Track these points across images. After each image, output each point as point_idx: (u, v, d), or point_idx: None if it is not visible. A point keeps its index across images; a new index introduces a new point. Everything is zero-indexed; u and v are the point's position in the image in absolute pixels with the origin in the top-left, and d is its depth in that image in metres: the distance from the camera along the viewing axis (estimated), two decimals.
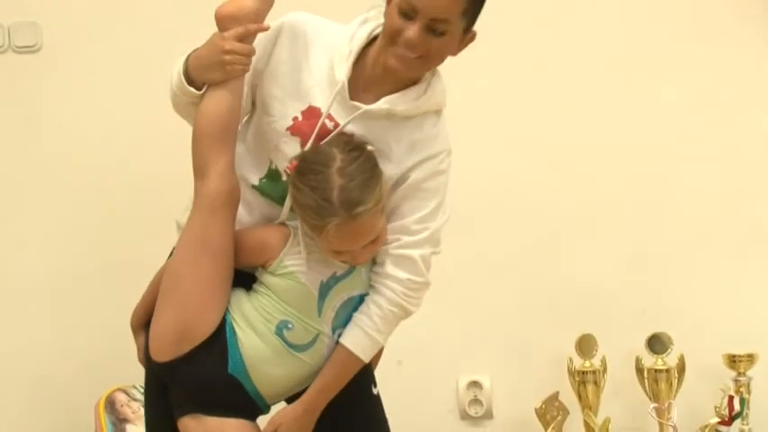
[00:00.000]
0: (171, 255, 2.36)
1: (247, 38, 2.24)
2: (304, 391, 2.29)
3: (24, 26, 3.59)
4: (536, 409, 3.31)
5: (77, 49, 3.60)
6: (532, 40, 3.55)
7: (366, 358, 2.28)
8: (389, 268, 2.26)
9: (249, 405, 2.26)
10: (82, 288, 3.49)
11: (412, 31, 2.15)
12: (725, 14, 3.55)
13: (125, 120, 3.51)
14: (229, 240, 2.24)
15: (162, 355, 2.23)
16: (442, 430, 3.48)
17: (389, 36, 2.18)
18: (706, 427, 3.30)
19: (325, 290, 2.26)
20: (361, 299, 2.29)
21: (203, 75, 2.24)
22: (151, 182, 3.37)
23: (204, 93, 2.25)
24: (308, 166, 2.18)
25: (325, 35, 2.29)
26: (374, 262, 2.30)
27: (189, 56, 2.26)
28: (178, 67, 2.27)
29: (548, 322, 3.48)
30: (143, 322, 2.33)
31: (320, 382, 2.27)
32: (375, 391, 2.41)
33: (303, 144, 2.24)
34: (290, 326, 2.24)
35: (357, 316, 2.28)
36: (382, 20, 2.24)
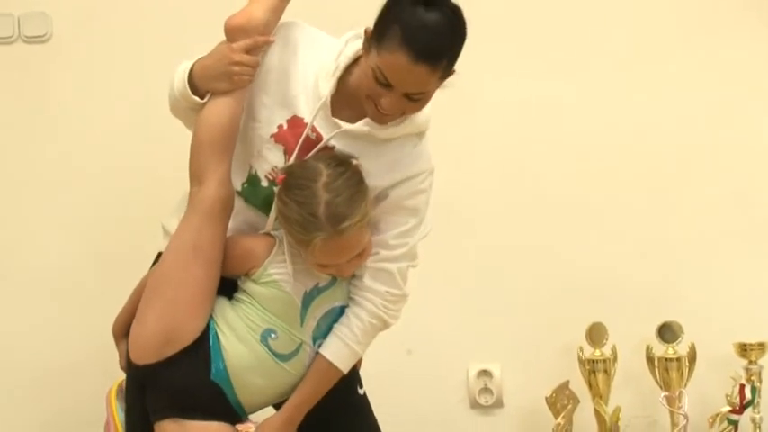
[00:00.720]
0: (156, 260, 2.37)
1: (254, 50, 2.25)
2: (283, 401, 2.31)
3: (34, 16, 3.59)
4: (546, 398, 3.31)
5: (87, 40, 3.59)
6: (540, 30, 3.53)
7: (345, 369, 2.30)
8: (368, 281, 2.29)
9: (229, 412, 2.27)
10: (92, 275, 3.50)
11: (388, 100, 2.16)
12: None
13: (134, 110, 3.51)
14: (220, 248, 2.25)
15: (143, 357, 2.24)
16: (452, 419, 3.48)
17: (366, 93, 2.19)
18: (717, 415, 3.29)
19: (308, 300, 2.28)
20: (341, 310, 2.31)
21: (209, 84, 2.26)
22: (160, 174, 3.37)
23: (207, 101, 2.26)
24: (294, 181, 2.19)
25: (316, 46, 2.30)
26: (354, 275, 2.31)
27: (194, 64, 2.27)
28: (182, 75, 2.28)
29: (558, 311, 3.48)
30: (125, 330, 2.33)
31: (300, 392, 2.29)
32: (361, 392, 2.43)
33: (286, 152, 2.26)
34: (273, 335, 2.26)
35: (337, 327, 2.30)
36: None
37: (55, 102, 3.59)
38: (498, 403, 3.51)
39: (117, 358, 2.40)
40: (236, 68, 2.23)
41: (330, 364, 2.28)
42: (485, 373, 3.51)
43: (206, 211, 2.24)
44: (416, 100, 2.17)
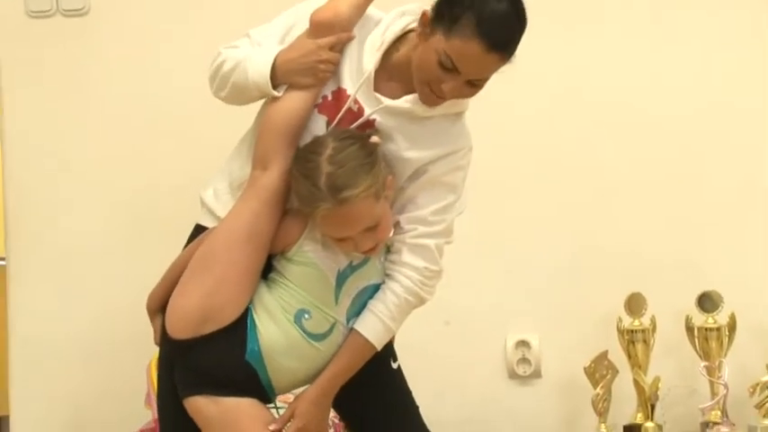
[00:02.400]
0: (193, 233, 2.39)
1: (338, 46, 2.27)
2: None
3: None
4: (585, 368, 3.31)
5: (125, 12, 3.60)
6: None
7: (379, 345, 2.32)
8: (406, 257, 2.30)
9: (259, 392, 2.29)
10: (135, 250, 3.52)
11: (450, 85, 2.19)
12: None
13: (174, 82, 3.51)
14: (271, 235, 2.27)
15: (181, 331, 2.26)
16: (490, 390, 3.48)
17: (424, 78, 2.21)
18: (757, 385, 3.27)
19: (341, 278, 2.28)
20: (376, 288, 2.32)
21: (292, 78, 2.27)
22: (201, 145, 3.38)
23: (282, 93, 2.27)
24: (302, 155, 2.22)
25: (363, 20, 2.31)
26: (389, 251, 2.33)
27: (276, 57, 2.27)
28: (262, 67, 2.27)
29: (596, 281, 3.47)
30: (161, 305, 2.35)
31: (334, 367, 2.30)
32: (395, 366, 2.44)
33: (328, 123, 2.28)
34: (307, 315, 2.27)
35: (372, 303, 2.31)
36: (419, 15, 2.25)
37: (93, 74, 3.61)
38: (536, 374, 3.51)
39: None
40: (322, 66, 2.25)
41: (365, 339, 2.29)
42: (523, 343, 3.51)
43: (267, 198, 2.25)
44: (477, 85, 2.21)
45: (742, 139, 3.52)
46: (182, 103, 3.48)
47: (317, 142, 2.22)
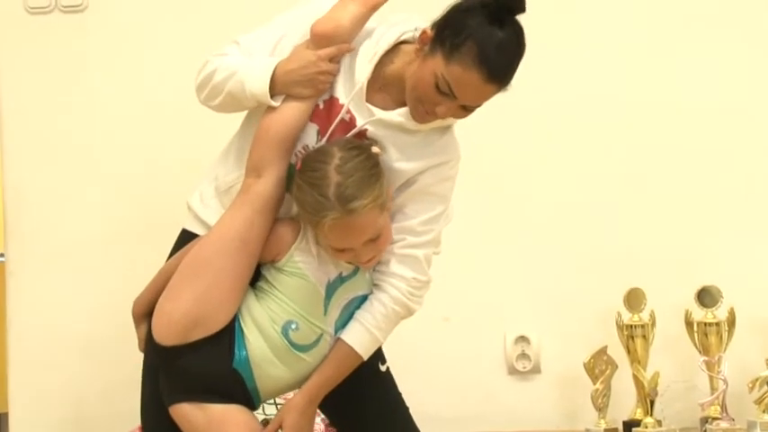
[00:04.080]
0: (180, 237, 2.39)
1: (337, 57, 2.27)
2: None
3: None
4: (584, 364, 3.31)
5: (123, 9, 3.61)
6: None
7: (365, 355, 2.32)
8: (394, 267, 2.30)
9: (245, 399, 2.29)
10: (133, 246, 3.52)
11: (444, 108, 2.19)
12: None
13: (171, 80, 3.51)
14: (263, 243, 2.26)
15: (169, 338, 2.25)
16: (489, 385, 3.48)
17: (419, 97, 2.20)
18: (757, 380, 3.27)
19: (331, 289, 2.28)
20: (363, 299, 2.32)
21: (291, 89, 2.26)
22: (196, 142, 3.38)
23: (278, 102, 2.26)
24: (308, 164, 2.20)
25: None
26: (378, 263, 2.32)
27: (276, 68, 2.26)
28: (262, 77, 2.26)
29: (596, 276, 3.47)
30: (147, 311, 2.34)
31: (320, 376, 2.31)
32: (383, 368, 2.44)
33: (319, 132, 2.27)
34: (294, 326, 2.27)
35: (360, 314, 2.31)
36: (412, 27, 2.26)
37: (92, 71, 3.61)
38: (536, 369, 3.51)
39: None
40: (322, 77, 2.25)
41: (351, 349, 2.29)
42: (522, 339, 3.52)
43: (261, 207, 2.24)
44: (470, 110, 2.21)
45: (740, 135, 3.52)
46: (180, 99, 3.44)
47: (323, 152, 2.21)
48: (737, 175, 3.52)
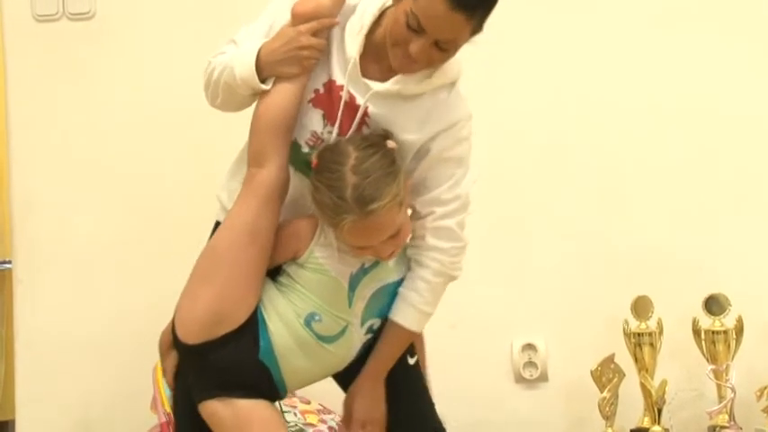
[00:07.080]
0: (213, 231, 2.37)
1: (321, 32, 2.25)
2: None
3: None
4: (592, 372, 3.30)
5: (131, 16, 3.62)
6: None
7: (419, 329, 2.34)
8: (431, 240, 2.29)
9: (272, 390, 2.29)
10: (146, 251, 3.53)
11: (417, 45, 2.16)
12: None
13: (179, 87, 3.51)
14: (274, 231, 2.26)
15: (194, 336, 2.24)
16: (496, 393, 3.48)
17: (394, 40, 2.19)
18: (765, 388, 3.26)
19: (354, 282, 2.27)
20: (394, 286, 2.32)
21: (277, 69, 2.24)
22: (206, 145, 3.39)
23: (269, 87, 2.25)
24: (324, 165, 2.19)
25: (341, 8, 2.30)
26: (412, 237, 2.31)
27: (260, 50, 2.25)
28: (247, 61, 2.25)
29: (603, 284, 3.47)
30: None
31: (378, 357, 2.33)
32: (411, 362, 2.43)
33: (325, 116, 2.26)
34: (317, 317, 2.26)
35: (405, 293, 2.31)
36: None
37: (99, 78, 3.61)
38: (543, 377, 3.51)
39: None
40: (305, 52, 2.23)
41: (403, 329, 2.31)
42: (529, 346, 3.51)
43: (266, 196, 2.24)
44: (445, 49, 2.17)
45: (750, 142, 3.52)
46: (188, 105, 3.46)
47: (338, 151, 2.19)
48: (746, 183, 3.51)
